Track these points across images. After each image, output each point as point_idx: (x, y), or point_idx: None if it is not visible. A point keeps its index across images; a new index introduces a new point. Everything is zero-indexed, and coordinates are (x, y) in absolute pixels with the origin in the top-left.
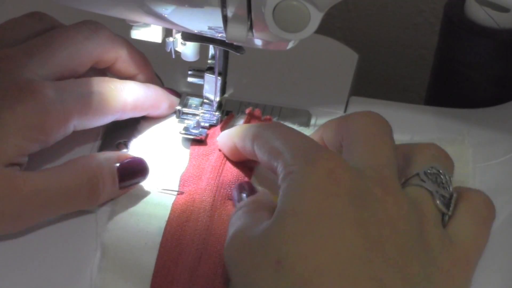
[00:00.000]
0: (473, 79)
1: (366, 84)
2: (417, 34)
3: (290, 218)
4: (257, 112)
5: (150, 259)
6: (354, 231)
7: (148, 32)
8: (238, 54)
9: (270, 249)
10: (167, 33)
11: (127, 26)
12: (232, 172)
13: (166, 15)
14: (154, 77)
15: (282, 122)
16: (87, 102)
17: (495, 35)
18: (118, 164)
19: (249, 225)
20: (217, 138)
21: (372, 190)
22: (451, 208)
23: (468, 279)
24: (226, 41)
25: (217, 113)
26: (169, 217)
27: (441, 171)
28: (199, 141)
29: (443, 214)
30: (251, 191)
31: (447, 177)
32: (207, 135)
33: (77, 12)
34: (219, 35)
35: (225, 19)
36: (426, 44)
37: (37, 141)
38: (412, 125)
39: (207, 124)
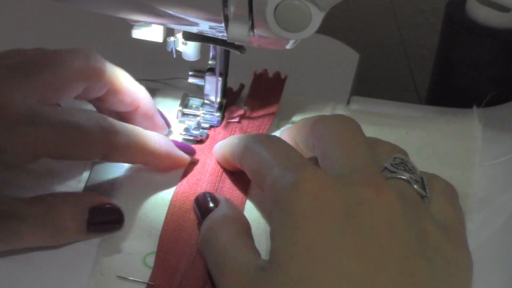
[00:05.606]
0: (474, 79)
1: (367, 84)
2: (418, 34)
3: (289, 264)
4: (265, 71)
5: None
6: (356, 262)
7: (149, 31)
8: (239, 53)
9: None
10: (168, 32)
11: (128, 26)
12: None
13: (167, 15)
14: (154, 118)
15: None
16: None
17: (495, 35)
18: (89, 208)
19: (241, 261)
20: (213, 150)
21: (363, 194)
22: (427, 190)
23: (469, 257)
24: (228, 40)
25: (218, 114)
26: (169, 208)
27: (403, 159)
28: (199, 142)
29: (422, 198)
30: (214, 201)
31: (411, 162)
32: (207, 136)
33: (78, 12)
34: (220, 34)
35: (226, 18)
36: (427, 44)
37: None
38: None
39: (207, 125)
